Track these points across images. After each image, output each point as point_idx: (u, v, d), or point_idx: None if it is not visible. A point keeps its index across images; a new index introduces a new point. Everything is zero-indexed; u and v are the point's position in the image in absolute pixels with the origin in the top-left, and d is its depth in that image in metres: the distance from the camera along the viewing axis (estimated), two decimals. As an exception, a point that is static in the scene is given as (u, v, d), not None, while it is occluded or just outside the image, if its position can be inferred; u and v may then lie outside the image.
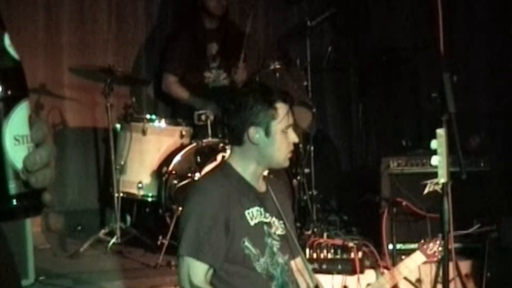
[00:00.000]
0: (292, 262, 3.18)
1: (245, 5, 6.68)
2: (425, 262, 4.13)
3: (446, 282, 3.34)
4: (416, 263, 4.07)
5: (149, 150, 5.39)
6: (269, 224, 3.07)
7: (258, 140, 3.03)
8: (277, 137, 3.04)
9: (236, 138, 3.08)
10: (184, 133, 5.43)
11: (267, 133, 3.03)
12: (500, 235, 4.81)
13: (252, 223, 2.99)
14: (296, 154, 5.83)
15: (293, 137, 3.10)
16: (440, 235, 3.45)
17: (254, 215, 3.01)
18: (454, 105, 3.11)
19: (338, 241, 4.62)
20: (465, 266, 4.86)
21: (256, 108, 3.02)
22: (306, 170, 5.69)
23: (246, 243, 2.94)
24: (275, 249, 3.05)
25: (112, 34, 6.32)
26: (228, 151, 3.22)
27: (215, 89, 5.89)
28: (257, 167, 3.10)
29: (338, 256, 4.51)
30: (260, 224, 3.03)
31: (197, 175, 4.86)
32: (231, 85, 5.83)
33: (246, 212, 3.00)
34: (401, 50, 6.85)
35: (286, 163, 3.16)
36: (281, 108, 3.06)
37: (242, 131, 3.04)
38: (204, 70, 5.97)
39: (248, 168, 3.08)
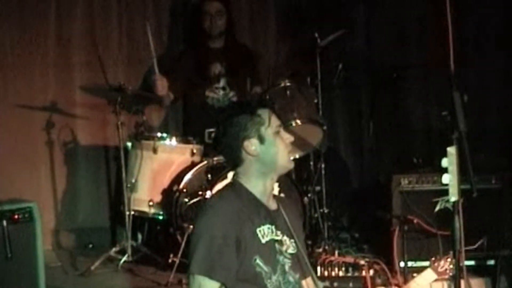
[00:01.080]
0: (304, 282, 3.16)
1: (256, 25, 6.72)
2: (436, 280, 4.10)
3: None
4: (427, 281, 4.04)
5: (160, 168, 5.40)
6: (280, 242, 3.05)
7: (255, 151, 3.03)
8: (273, 141, 3.04)
9: (236, 159, 3.07)
10: (195, 151, 5.44)
11: (261, 140, 3.02)
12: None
13: (263, 240, 2.98)
14: (307, 172, 5.84)
15: (288, 137, 3.09)
16: (451, 252, 3.44)
17: (265, 232, 3.00)
18: (464, 123, 3.11)
19: (349, 259, 4.62)
20: (477, 283, 4.83)
21: (242, 122, 3.02)
22: (317, 188, 5.69)
23: (258, 261, 2.93)
24: (286, 267, 3.03)
25: (123, 53, 6.34)
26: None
27: (221, 109, 5.89)
28: (265, 182, 3.08)
29: (349, 274, 4.50)
30: (272, 242, 3.01)
31: (208, 193, 4.86)
32: None
33: (257, 230, 2.98)
34: (412, 68, 6.84)
35: (291, 164, 3.15)
36: (263, 113, 3.06)
37: (238, 150, 3.03)
38: (206, 90, 5.96)
39: (257, 185, 3.07)
